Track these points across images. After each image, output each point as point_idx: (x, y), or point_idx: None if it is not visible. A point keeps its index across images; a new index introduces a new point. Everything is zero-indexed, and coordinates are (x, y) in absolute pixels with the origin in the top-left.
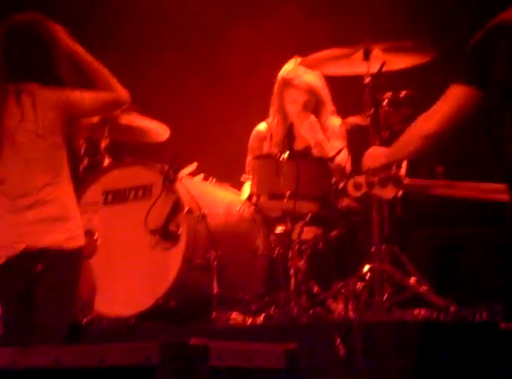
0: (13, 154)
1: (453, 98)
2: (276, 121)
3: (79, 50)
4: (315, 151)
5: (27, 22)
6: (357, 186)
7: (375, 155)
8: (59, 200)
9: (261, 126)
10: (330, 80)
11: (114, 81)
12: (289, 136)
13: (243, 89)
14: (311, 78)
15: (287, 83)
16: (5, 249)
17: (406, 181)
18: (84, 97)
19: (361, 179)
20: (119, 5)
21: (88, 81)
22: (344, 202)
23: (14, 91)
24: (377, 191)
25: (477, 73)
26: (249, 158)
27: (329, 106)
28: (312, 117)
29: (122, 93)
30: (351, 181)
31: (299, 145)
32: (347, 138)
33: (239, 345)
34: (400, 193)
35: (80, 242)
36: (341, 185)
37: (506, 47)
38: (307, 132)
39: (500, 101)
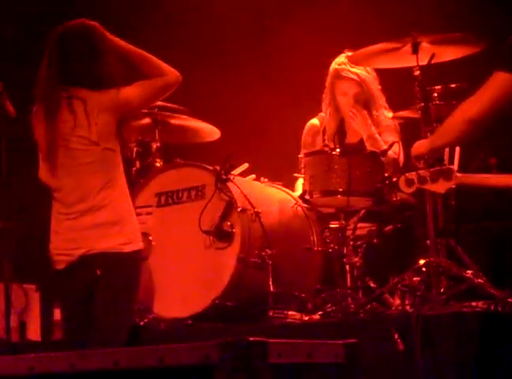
0: (67, 161)
1: (496, 84)
2: (328, 114)
3: (122, 44)
4: (368, 145)
5: (77, 29)
6: (409, 182)
7: (420, 143)
8: (115, 204)
9: (314, 121)
10: (380, 74)
11: (161, 64)
12: (340, 130)
13: (294, 86)
14: (361, 70)
15: (337, 75)
16: (64, 255)
17: (458, 174)
18: (133, 90)
19: (412, 175)
20: (165, 9)
21: (139, 73)
22: (398, 196)
23: (66, 97)
24: (429, 186)
25: None
26: (302, 153)
27: (380, 100)
28: (364, 110)
29: (172, 74)
30: (402, 178)
31: (351, 139)
32: (400, 132)
33: (298, 342)
34: (453, 186)
35: (138, 245)
36: (394, 179)
37: None
38: (359, 125)
39: None
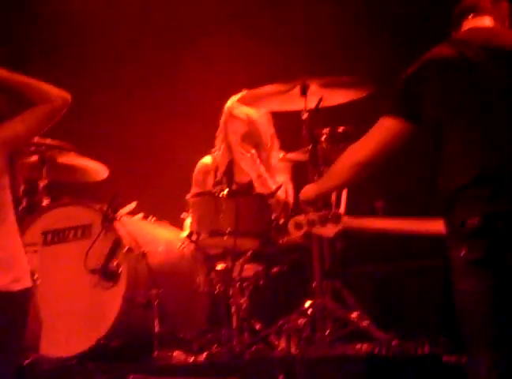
0: None
1: (383, 128)
2: (220, 153)
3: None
4: (257, 185)
5: None
6: (298, 225)
7: (308, 188)
8: (3, 242)
9: (206, 159)
10: (272, 116)
11: (46, 88)
12: (230, 170)
13: (185, 125)
14: (251, 110)
15: (230, 114)
16: None
17: (345, 218)
18: (19, 122)
19: (301, 218)
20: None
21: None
22: (285, 238)
23: None
24: (317, 230)
25: (407, 106)
26: (192, 192)
27: (270, 142)
28: (253, 150)
29: (58, 99)
30: (291, 221)
31: (240, 179)
32: (291, 173)
33: None
34: (340, 229)
35: (27, 283)
36: (282, 221)
37: (435, 81)
38: (248, 165)
39: (432, 134)
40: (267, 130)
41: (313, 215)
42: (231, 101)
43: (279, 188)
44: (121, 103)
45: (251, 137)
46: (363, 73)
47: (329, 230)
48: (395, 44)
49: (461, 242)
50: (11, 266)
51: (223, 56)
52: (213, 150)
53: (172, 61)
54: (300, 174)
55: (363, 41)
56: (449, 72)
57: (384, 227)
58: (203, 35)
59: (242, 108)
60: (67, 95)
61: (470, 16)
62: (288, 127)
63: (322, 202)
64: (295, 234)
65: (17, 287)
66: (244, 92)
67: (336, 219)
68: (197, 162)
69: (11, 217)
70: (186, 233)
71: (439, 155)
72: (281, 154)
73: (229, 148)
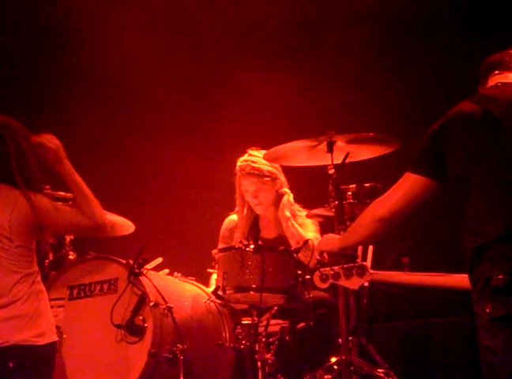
0: None
1: (407, 185)
2: (241, 211)
3: (66, 167)
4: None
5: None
6: (323, 278)
7: (330, 239)
8: (29, 297)
9: (233, 216)
10: (296, 172)
11: (94, 206)
12: (255, 227)
13: (211, 183)
14: (265, 166)
15: (241, 172)
16: None
17: (371, 271)
18: (60, 215)
19: (326, 271)
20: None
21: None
22: (312, 294)
23: None
24: (343, 282)
25: (430, 163)
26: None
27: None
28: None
29: (98, 220)
30: (317, 273)
31: (267, 235)
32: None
33: None
34: (366, 284)
35: (52, 337)
36: (307, 276)
37: (458, 138)
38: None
39: (457, 190)
40: (283, 182)
41: (338, 268)
42: (240, 160)
43: (305, 243)
44: (148, 159)
45: (264, 192)
46: (389, 130)
47: (354, 283)
48: (421, 100)
49: (486, 298)
50: (36, 321)
51: (250, 112)
52: (235, 210)
53: (196, 119)
54: (326, 231)
55: (389, 98)
56: (472, 128)
57: (409, 281)
58: (230, 96)
59: (252, 164)
60: (104, 224)
61: (495, 73)
62: (314, 183)
63: (348, 256)
64: (321, 286)
65: (42, 341)
66: (252, 152)
67: (362, 272)
68: (223, 218)
69: (35, 274)
70: (212, 288)
71: (464, 211)
72: (304, 211)
73: (248, 206)
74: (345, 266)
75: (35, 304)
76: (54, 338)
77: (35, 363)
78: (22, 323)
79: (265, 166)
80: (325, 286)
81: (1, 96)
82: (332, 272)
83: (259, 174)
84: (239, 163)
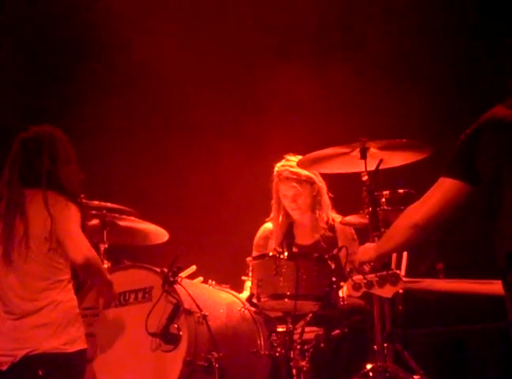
0: (16, 259)
1: (441, 190)
2: (276, 217)
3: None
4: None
5: (40, 135)
6: (356, 286)
7: (367, 249)
8: (58, 304)
9: (268, 225)
10: (329, 179)
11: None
12: (290, 234)
13: (245, 190)
14: (303, 171)
15: (279, 177)
16: (7, 356)
17: (404, 279)
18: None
19: (359, 279)
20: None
21: None
22: (346, 301)
23: (23, 199)
24: (376, 290)
25: (464, 168)
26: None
27: (327, 201)
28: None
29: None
30: (349, 282)
31: (302, 242)
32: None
33: None
34: (401, 290)
35: (81, 345)
36: (342, 284)
37: (490, 142)
38: None
39: (490, 195)
40: (322, 188)
41: (371, 277)
42: (277, 166)
43: (339, 250)
44: (183, 166)
45: (303, 197)
46: (421, 136)
47: (387, 291)
48: (454, 106)
49: None
50: (66, 328)
51: (284, 120)
52: (270, 217)
53: (232, 124)
54: (361, 238)
55: (422, 104)
56: (504, 133)
57: (443, 288)
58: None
59: (290, 169)
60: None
61: None
62: (349, 189)
63: (381, 263)
64: (354, 295)
65: (72, 348)
66: (289, 157)
67: (395, 280)
68: (258, 225)
69: (66, 280)
70: (246, 295)
71: (495, 215)
72: (339, 217)
73: (285, 213)
74: (378, 274)
75: (64, 311)
76: (84, 345)
77: (65, 371)
78: (51, 331)
79: (303, 171)
80: (358, 294)
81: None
82: (365, 281)
83: (297, 179)
84: (276, 169)
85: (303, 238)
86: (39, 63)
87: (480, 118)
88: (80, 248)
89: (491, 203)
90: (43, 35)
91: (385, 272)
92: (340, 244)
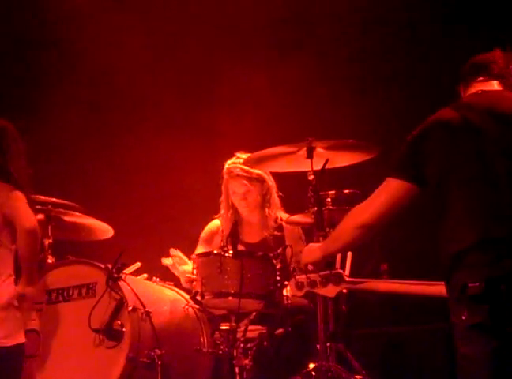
0: None
1: (388, 190)
2: (225, 214)
3: None
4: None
5: None
6: (299, 285)
7: (312, 249)
8: None
9: (217, 221)
10: (275, 178)
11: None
12: (235, 232)
13: (191, 185)
14: (253, 169)
15: (229, 174)
16: None
17: (348, 279)
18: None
19: (302, 278)
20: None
21: None
22: (290, 300)
23: None
24: (319, 290)
25: (410, 168)
26: (197, 251)
27: (275, 200)
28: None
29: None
30: (292, 281)
31: (248, 240)
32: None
33: None
34: (345, 290)
35: (20, 339)
36: (286, 283)
37: (437, 144)
38: None
39: (435, 196)
40: (271, 187)
41: (314, 276)
42: (228, 163)
43: (284, 249)
44: (128, 163)
45: (255, 196)
46: (368, 136)
47: (331, 291)
48: (401, 107)
49: (462, 306)
50: (4, 322)
51: (235, 116)
52: (219, 214)
53: (182, 119)
54: (305, 237)
55: (368, 104)
56: (451, 135)
57: (387, 289)
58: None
59: (241, 166)
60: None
61: (479, 79)
62: (294, 189)
63: (325, 263)
64: (297, 294)
65: (11, 342)
66: (240, 155)
67: (338, 279)
68: (202, 223)
69: (6, 274)
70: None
71: (441, 218)
72: (285, 215)
73: (233, 210)
74: (321, 274)
75: (3, 305)
76: (22, 339)
77: (3, 364)
78: None
79: (254, 169)
80: (300, 293)
81: None
82: (308, 280)
83: (248, 177)
84: (227, 166)
85: (251, 236)
86: None
87: (427, 119)
88: (30, 216)
89: (436, 205)
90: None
91: (328, 272)
92: (287, 243)
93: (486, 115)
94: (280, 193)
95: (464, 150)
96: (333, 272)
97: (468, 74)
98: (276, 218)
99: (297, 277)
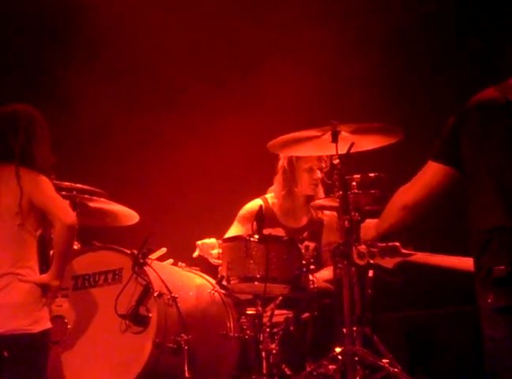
0: None
1: (429, 173)
2: (287, 191)
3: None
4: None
5: (16, 114)
6: (360, 255)
7: (367, 228)
8: (22, 286)
9: (259, 201)
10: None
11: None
12: (260, 216)
13: (215, 173)
14: None
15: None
16: None
17: (403, 251)
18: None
19: (363, 249)
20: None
21: None
22: (315, 284)
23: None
24: (378, 260)
25: (450, 153)
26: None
27: None
28: None
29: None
30: (354, 250)
31: (294, 224)
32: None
33: None
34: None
35: (46, 325)
36: (312, 266)
37: (477, 125)
38: None
39: (468, 179)
40: None
41: (373, 248)
42: None
43: (309, 234)
44: (153, 148)
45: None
46: (393, 120)
47: (388, 262)
48: (426, 91)
49: (488, 289)
50: (29, 309)
51: (255, 103)
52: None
53: (204, 110)
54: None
55: (393, 87)
56: (488, 117)
57: (438, 262)
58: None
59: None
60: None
61: None
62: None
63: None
64: (359, 263)
65: (36, 329)
66: None
67: (394, 251)
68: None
69: (33, 261)
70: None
71: (470, 202)
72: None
73: (292, 191)
74: (379, 245)
75: (28, 291)
76: (48, 325)
77: (29, 351)
78: (14, 311)
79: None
80: (362, 263)
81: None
82: (368, 250)
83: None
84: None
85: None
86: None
87: (469, 100)
88: (70, 211)
89: (467, 188)
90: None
91: (384, 244)
92: (325, 230)
93: None
94: None
95: (498, 134)
96: (390, 244)
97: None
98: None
99: (358, 247)
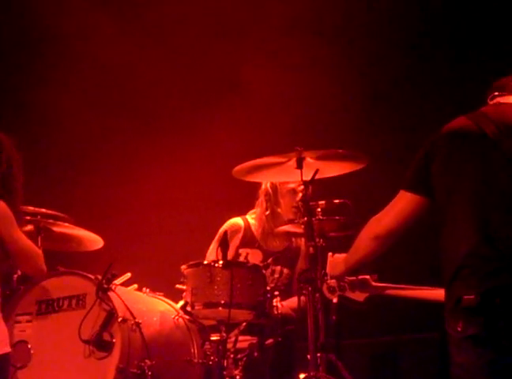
0: None
1: (401, 203)
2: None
3: None
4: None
5: None
6: (331, 290)
7: (335, 263)
8: None
9: (238, 220)
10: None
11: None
12: (225, 242)
13: (180, 197)
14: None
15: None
16: None
17: (373, 284)
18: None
19: (333, 283)
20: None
21: None
22: (279, 310)
23: None
24: (348, 294)
25: (423, 182)
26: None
27: None
28: None
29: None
30: (325, 285)
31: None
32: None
33: None
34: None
35: (5, 349)
36: (276, 292)
37: (448, 154)
38: None
39: (438, 206)
40: None
41: (343, 281)
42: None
43: (274, 257)
44: (117, 173)
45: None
46: (358, 147)
47: (359, 296)
48: (391, 117)
49: (458, 317)
50: None
51: (221, 129)
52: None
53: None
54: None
55: (359, 115)
56: (459, 146)
57: (409, 294)
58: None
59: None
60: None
61: (495, 94)
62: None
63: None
64: (330, 297)
65: None
66: None
67: (364, 285)
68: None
69: None
70: (180, 303)
71: (442, 230)
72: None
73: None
74: (349, 279)
75: None
76: (8, 349)
77: None
78: None
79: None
80: (333, 297)
81: None
82: (338, 284)
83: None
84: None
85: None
86: None
87: (441, 128)
88: (41, 257)
89: (439, 217)
90: None
91: (354, 278)
92: (301, 257)
93: (502, 127)
94: None
95: (472, 162)
96: (360, 277)
97: (489, 91)
98: None
99: (328, 282)
